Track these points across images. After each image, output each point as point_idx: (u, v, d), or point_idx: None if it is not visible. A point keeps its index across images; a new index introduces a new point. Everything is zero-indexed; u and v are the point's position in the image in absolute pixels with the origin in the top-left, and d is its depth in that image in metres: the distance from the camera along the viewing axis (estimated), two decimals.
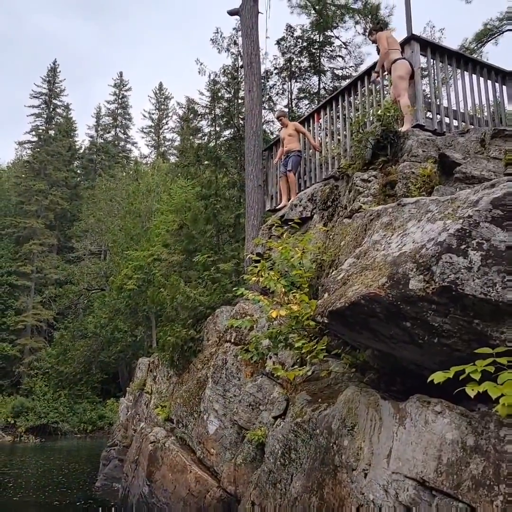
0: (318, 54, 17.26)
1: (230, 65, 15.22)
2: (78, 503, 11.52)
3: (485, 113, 8.47)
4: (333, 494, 3.94)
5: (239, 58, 14.53)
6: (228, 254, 11.60)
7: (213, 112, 13.03)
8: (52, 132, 40.43)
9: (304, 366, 5.10)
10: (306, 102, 14.56)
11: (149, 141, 51.11)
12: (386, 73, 7.86)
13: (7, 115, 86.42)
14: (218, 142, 12.60)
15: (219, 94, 13.38)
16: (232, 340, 8.35)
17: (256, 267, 5.99)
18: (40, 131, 40.19)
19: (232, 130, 12.51)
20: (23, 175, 39.76)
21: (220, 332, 9.47)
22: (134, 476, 9.93)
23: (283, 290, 5.60)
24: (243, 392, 7.55)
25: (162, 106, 50.42)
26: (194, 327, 10.74)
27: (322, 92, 16.36)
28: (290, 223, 6.98)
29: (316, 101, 12.35)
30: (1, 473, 16.51)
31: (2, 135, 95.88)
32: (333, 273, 4.43)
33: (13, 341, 33.04)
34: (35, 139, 40.59)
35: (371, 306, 3.36)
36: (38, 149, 39.34)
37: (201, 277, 11.63)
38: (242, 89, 13.06)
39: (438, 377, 2.77)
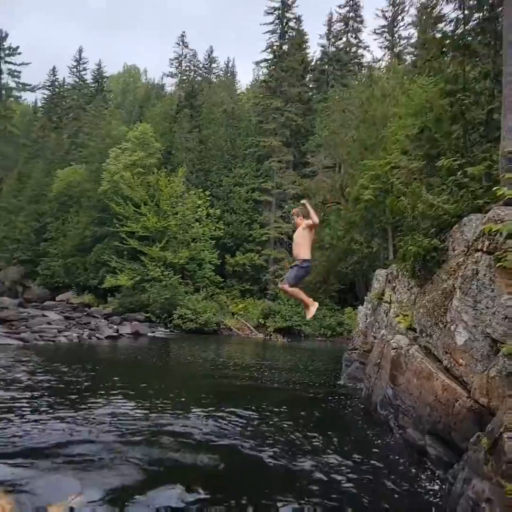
0: None
1: None
2: (329, 397, 12.55)
3: None
4: None
5: None
6: (477, 157, 10.43)
7: None
8: (285, 47, 41.10)
9: None
10: None
11: (383, 42, 48.19)
12: None
13: (248, 38, 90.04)
14: (466, 27, 11.02)
15: None
16: (484, 249, 7.62)
17: None
18: (275, 47, 41.20)
19: (484, 11, 10.75)
20: (260, 95, 41.86)
21: (468, 241, 8.77)
22: (377, 378, 10.28)
23: None
24: (498, 304, 6.94)
25: (397, 0, 46.43)
26: (437, 237, 10.18)
27: None
28: None
29: None
30: (257, 363, 18.94)
31: (244, 57, 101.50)
32: None
33: (259, 251, 36.57)
34: (270, 56, 41.86)
35: None
36: (274, 67, 40.59)
37: (445, 184, 10.77)
38: None
39: None
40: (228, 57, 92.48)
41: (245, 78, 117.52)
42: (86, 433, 7.87)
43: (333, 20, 48.79)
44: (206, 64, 66.21)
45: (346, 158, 26.88)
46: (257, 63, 47.98)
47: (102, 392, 11.55)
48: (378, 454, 7.81)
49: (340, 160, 32.53)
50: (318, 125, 35.07)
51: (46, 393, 11.09)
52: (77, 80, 60.95)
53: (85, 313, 33.09)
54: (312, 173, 35.98)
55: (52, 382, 12.44)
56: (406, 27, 45.73)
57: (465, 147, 10.84)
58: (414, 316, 10.10)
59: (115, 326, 27.94)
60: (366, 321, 15.41)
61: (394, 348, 9.49)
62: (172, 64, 64.39)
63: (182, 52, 63.98)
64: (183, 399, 11.06)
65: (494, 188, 5.80)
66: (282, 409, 10.17)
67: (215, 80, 64.03)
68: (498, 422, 5.50)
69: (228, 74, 67.71)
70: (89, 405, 10.02)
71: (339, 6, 48.89)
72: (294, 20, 42.30)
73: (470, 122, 10.84)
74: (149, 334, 28.44)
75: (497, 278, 7.18)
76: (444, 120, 11.45)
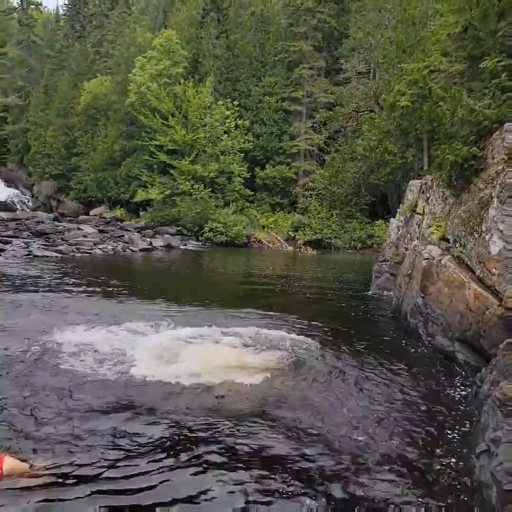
0: None
1: None
2: (359, 306, 12.84)
3: None
4: None
5: None
6: None
7: None
8: None
9: None
10: None
11: None
12: None
13: None
14: None
15: None
16: None
17: None
18: None
19: None
20: None
21: (510, 148, 8.41)
22: (407, 288, 10.39)
23: None
24: None
25: None
26: (476, 144, 9.79)
27: None
28: None
29: None
30: (287, 275, 19.30)
31: None
32: None
33: (289, 164, 35.97)
34: None
35: None
36: None
37: (488, 87, 10.16)
38: None
39: None
40: None
41: None
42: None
43: None
44: None
45: (382, 62, 25.44)
46: None
47: (140, 296, 12.20)
48: (408, 359, 8.08)
49: (375, 65, 30.89)
50: (352, 27, 32.96)
51: (94, 295, 11.86)
52: None
53: (118, 227, 33.80)
54: (345, 80, 34.36)
55: (93, 288, 13.10)
56: None
57: None
58: (448, 227, 9.99)
59: (148, 239, 28.60)
60: (398, 233, 15.33)
61: (425, 259, 9.50)
62: None
63: None
64: (219, 306, 11.51)
65: None
66: (314, 319, 10.48)
67: None
68: None
69: None
70: (130, 304, 10.63)
71: None
72: None
73: None
74: (181, 247, 29.08)
75: None
76: (490, 16, 10.58)
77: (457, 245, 9.09)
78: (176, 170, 33.58)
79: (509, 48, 10.10)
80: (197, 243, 31.58)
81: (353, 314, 11.92)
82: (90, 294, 12.45)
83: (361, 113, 29.69)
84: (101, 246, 25.00)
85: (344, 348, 8.35)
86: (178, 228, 32.75)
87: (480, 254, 7.95)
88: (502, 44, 10.24)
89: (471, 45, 11.44)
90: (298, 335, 8.99)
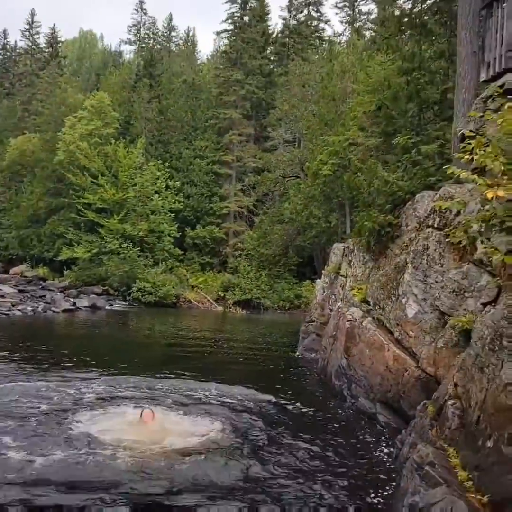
0: None
1: None
2: (286, 368, 12.89)
3: None
4: None
5: None
6: (431, 135, 10.72)
7: None
8: (246, 19, 40.34)
9: None
10: None
11: (343, 17, 48.03)
12: None
13: (209, 6, 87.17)
14: (424, 6, 11.14)
15: None
16: (435, 225, 7.94)
17: (470, 144, 5.42)
18: (235, 18, 40.38)
19: None
20: (221, 66, 41.15)
21: (420, 217, 9.09)
22: (332, 349, 10.62)
23: (502, 168, 5.01)
24: (446, 279, 7.28)
25: None
26: (392, 212, 10.49)
27: None
28: None
29: None
30: (216, 336, 19.16)
31: (205, 27, 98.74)
32: None
33: (219, 224, 36.53)
34: (231, 27, 41.03)
35: None
36: (234, 38, 39.88)
37: (400, 161, 11.06)
38: None
39: None
40: (188, 26, 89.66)
41: (205, 49, 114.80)
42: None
43: None
44: (166, 33, 64.32)
45: (306, 133, 26.98)
46: (218, 33, 47.00)
47: (57, 361, 11.57)
48: (333, 421, 8.16)
49: (300, 135, 32.62)
50: (278, 99, 34.95)
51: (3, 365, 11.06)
52: (30, 44, 58.09)
53: (40, 287, 32.36)
54: (273, 147, 35.94)
55: (8, 354, 12.31)
56: (366, 2, 45.71)
57: (420, 125, 11.11)
58: (368, 289, 10.45)
59: (71, 299, 27.52)
60: (323, 294, 15.76)
61: (349, 320, 9.81)
62: (130, 31, 62.44)
63: (141, 19, 62.08)
64: (139, 371, 11.16)
65: (445, 167, 6.03)
66: (241, 381, 10.41)
67: (175, 49, 62.33)
68: (443, 390, 5.84)
69: (189, 44, 65.96)
70: (45, 376, 10.02)
71: None
72: None
73: (425, 101, 11.09)
74: (107, 307, 28.19)
75: (446, 253, 7.52)
76: (400, 98, 11.66)
77: (376, 308, 9.50)
78: (104, 229, 33.08)
79: (417, 127, 11.13)
80: (124, 303, 30.76)
81: (281, 376, 11.95)
82: None
83: (288, 179, 31.00)
84: (20, 306, 23.77)
85: (271, 412, 8.31)
86: (104, 288, 31.85)
87: (397, 316, 8.34)
88: (411, 123, 11.28)
89: (384, 123, 12.46)
90: (225, 398, 8.88)
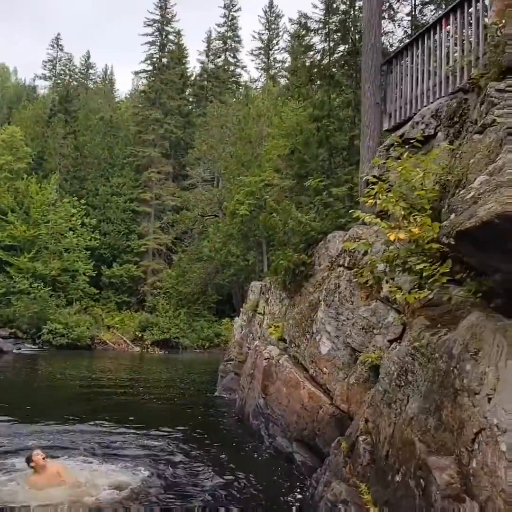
0: None
1: None
2: (204, 409, 12.64)
3: None
4: (452, 417, 3.89)
5: None
6: (341, 178, 11.31)
7: (327, 26, 12.26)
8: (165, 60, 40.99)
9: (425, 290, 4.92)
10: (432, 7, 13.01)
11: (259, 63, 50.20)
12: None
13: (127, 45, 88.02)
14: (332, 59, 11.93)
15: (334, 6, 12.47)
16: (345, 265, 8.27)
17: (373, 189, 5.76)
18: (154, 59, 40.93)
19: (348, 45, 11.77)
20: (140, 105, 41.27)
21: (332, 257, 9.45)
22: (250, 388, 10.58)
23: (403, 212, 5.36)
24: (356, 316, 7.56)
25: (273, 26, 48.76)
26: (305, 252, 10.83)
27: None
28: (411, 142, 6.54)
29: (443, 5, 11.01)
30: (133, 378, 18.50)
31: (123, 65, 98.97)
32: (461, 193, 4.13)
33: (137, 262, 35.86)
34: (150, 68, 41.47)
35: (507, 225, 3.10)
36: (153, 78, 40.30)
37: (313, 202, 11.52)
38: None
39: None
40: (106, 64, 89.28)
41: (124, 87, 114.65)
42: None
43: (212, 38, 49.80)
44: (83, 70, 63.69)
45: (223, 173, 27.48)
46: (136, 73, 47.31)
47: None
48: (249, 463, 8.05)
49: (218, 174, 33.13)
50: (197, 139, 35.46)
51: None
52: None
53: None
54: (191, 186, 36.19)
55: None
56: (280, 51, 48.15)
57: (330, 169, 11.71)
58: (284, 327, 10.59)
59: None
60: (241, 332, 15.77)
61: (266, 358, 9.84)
62: (45, 66, 61.27)
63: (57, 54, 61.16)
64: (49, 420, 10.48)
65: (351, 211, 6.37)
66: (156, 425, 10.07)
67: (92, 86, 61.73)
68: (355, 426, 5.98)
69: (106, 82, 65.64)
70: None
71: (218, 25, 50.02)
72: (174, 34, 42.45)
73: (334, 146, 11.74)
74: (14, 351, 26.43)
75: (356, 291, 7.83)
76: (312, 143, 12.27)
77: (292, 345, 9.63)
78: (13, 267, 31.37)
79: (328, 170, 11.71)
80: (34, 346, 29.00)
81: (199, 417, 11.70)
82: None
83: (207, 217, 31.23)
84: None
85: (181, 458, 8.06)
86: (11, 331, 29.93)
87: (312, 354, 8.50)
88: (322, 167, 11.85)
89: (297, 165, 13.00)
90: (141, 442, 8.53)
